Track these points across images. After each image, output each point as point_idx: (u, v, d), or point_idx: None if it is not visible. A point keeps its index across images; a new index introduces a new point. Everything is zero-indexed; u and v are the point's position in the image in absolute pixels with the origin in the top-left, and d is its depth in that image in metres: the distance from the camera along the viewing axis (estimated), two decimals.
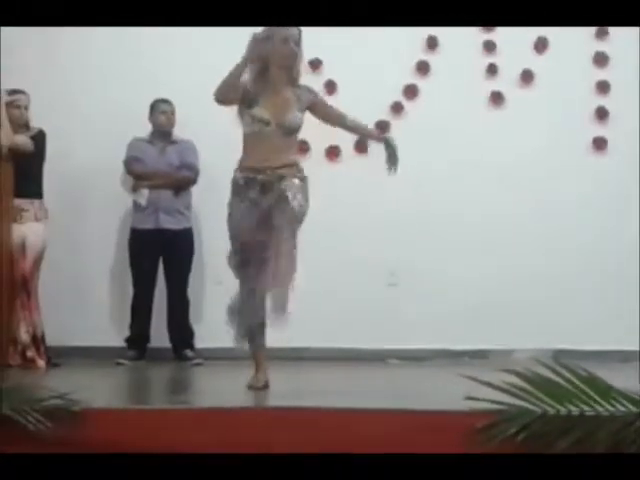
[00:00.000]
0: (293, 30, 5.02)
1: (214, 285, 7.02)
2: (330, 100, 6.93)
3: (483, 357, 6.92)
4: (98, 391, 4.67)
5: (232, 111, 4.98)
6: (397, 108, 7.21)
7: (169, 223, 6.85)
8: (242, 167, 5.03)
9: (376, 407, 4.22)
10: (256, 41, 4.93)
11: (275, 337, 5.03)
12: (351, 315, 6.99)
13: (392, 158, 5.10)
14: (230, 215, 5.03)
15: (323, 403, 4.16)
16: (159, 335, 6.85)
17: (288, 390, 4.93)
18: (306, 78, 5.27)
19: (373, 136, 5.52)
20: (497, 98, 7.23)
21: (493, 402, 3.03)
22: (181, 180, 6.91)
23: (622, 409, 2.86)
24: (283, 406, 3.93)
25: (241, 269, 4.99)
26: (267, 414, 3.83)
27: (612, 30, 7.13)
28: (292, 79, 5.07)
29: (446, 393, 4.33)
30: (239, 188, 5.00)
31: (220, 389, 5.32)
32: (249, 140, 5.04)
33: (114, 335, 6.95)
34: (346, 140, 6.90)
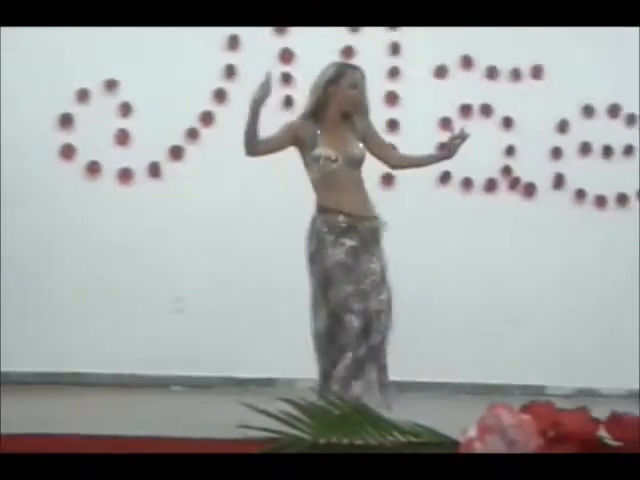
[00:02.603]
0: (359, 74, 5.03)
1: None
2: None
3: (269, 385, 6.94)
4: None
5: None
6: None
7: None
8: (323, 208, 5.01)
9: (154, 434, 4.17)
10: (319, 86, 4.96)
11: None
12: (135, 341, 6.87)
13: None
14: (322, 260, 4.98)
15: (99, 430, 4.09)
16: None
17: (65, 416, 4.77)
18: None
19: (441, 156, 5.34)
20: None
21: (266, 430, 3.04)
22: None
23: (390, 439, 2.93)
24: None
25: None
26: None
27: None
28: (349, 116, 5.06)
29: (224, 421, 4.32)
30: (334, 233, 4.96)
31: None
32: (319, 183, 5.01)
33: None
34: None
